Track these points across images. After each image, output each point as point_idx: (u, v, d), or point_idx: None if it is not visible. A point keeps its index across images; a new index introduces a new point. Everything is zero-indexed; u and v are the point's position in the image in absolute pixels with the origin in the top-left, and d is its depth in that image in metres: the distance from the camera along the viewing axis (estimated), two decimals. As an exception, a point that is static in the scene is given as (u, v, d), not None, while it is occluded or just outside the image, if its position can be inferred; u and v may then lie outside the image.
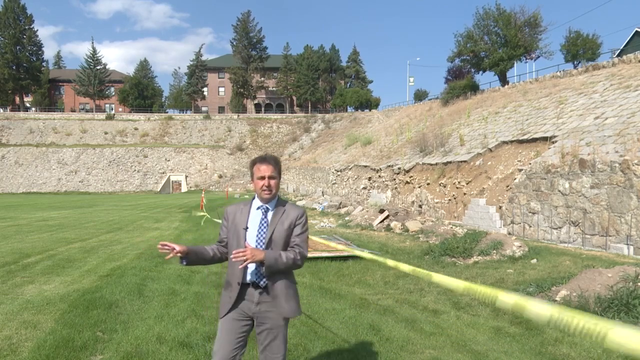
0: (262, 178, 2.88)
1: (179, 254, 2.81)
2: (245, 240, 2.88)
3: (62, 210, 26.18)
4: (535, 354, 4.72)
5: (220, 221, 3.18)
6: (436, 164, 20.86)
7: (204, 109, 76.66)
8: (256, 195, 3.00)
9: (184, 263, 2.88)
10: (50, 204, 31.88)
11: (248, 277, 2.86)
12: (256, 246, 2.85)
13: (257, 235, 2.89)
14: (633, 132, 12.34)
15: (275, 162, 2.94)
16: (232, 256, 2.69)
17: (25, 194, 52.95)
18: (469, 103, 29.32)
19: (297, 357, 4.48)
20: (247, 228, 2.89)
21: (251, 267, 2.83)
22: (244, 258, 2.66)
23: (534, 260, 9.29)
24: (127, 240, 13.24)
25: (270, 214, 2.92)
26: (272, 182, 2.90)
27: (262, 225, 2.89)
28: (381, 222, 15.51)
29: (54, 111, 72.40)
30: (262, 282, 2.85)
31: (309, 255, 9.76)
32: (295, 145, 63.82)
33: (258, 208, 2.95)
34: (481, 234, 11.13)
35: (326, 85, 76.78)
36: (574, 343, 4.94)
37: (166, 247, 2.75)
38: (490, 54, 32.08)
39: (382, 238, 13.41)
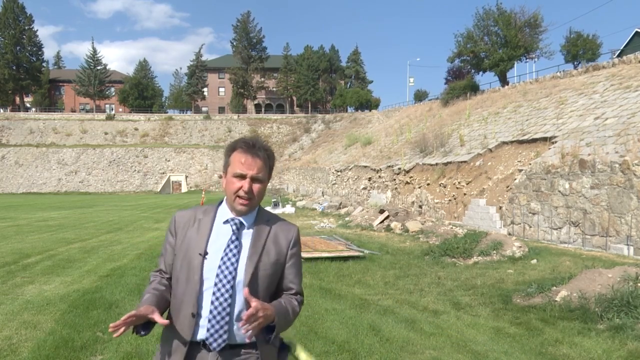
0: (241, 177, 1.81)
1: (138, 322, 1.70)
2: (202, 273, 1.77)
3: (62, 210, 26.18)
4: (535, 354, 4.72)
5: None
6: (436, 164, 20.85)
7: (204, 109, 76.65)
8: (225, 200, 1.91)
9: (143, 333, 1.76)
10: (50, 204, 31.87)
11: (200, 334, 1.77)
12: (218, 289, 1.76)
13: (220, 270, 1.77)
14: (633, 133, 12.34)
15: (267, 156, 1.88)
16: (241, 323, 1.63)
17: (25, 194, 52.93)
18: (469, 103, 29.31)
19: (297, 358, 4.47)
20: (205, 254, 1.79)
21: (204, 313, 1.77)
22: (257, 323, 1.65)
23: (534, 261, 9.30)
24: (127, 240, 13.24)
25: (247, 235, 1.85)
26: (257, 187, 1.83)
27: (231, 252, 1.79)
28: (381, 222, 15.50)
29: (54, 111, 72.33)
30: (216, 344, 1.76)
31: (309, 255, 9.82)
32: (295, 146, 63.81)
33: (226, 222, 1.85)
34: (481, 234, 11.13)
35: (326, 85, 76.75)
36: (574, 343, 4.94)
37: (122, 323, 1.62)
38: (491, 54, 32.07)
39: (382, 238, 13.41)
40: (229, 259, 1.78)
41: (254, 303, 1.65)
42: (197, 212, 1.92)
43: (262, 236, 1.87)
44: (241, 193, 1.81)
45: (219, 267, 1.77)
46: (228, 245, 1.81)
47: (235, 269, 1.78)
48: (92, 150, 61.02)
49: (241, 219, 1.86)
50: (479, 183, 17.08)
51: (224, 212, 1.89)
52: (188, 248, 1.83)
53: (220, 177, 1.93)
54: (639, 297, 5.55)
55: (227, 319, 1.76)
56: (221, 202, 1.94)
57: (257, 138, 1.91)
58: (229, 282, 1.76)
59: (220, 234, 1.84)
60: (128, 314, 1.64)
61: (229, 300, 1.76)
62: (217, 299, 1.76)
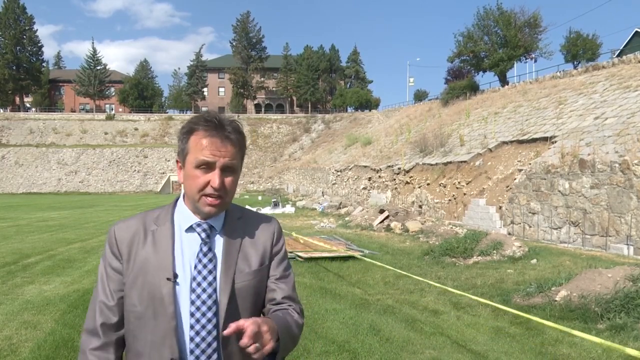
0: (208, 167, 1.34)
1: None
2: (176, 304, 1.32)
3: (62, 210, 26.18)
4: (535, 354, 4.72)
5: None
6: (436, 164, 20.86)
7: (204, 109, 76.55)
8: (182, 200, 1.46)
9: None
10: (51, 205, 31.87)
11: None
12: (197, 321, 1.32)
13: (196, 295, 1.32)
14: (633, 133, 12.34)
15: (239, 137, 1.39)
16: (244, 341, 1.18)
17: (26, 194, 52.92)
18: (468, 103, 29.32)
19: (297, 357, 4.47)
20: (175, 278, 1.32)
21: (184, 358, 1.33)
22: (265, 339, 1.22)
23: (534, 261, 9.29)
24: (127, 240, 13.23)
25: (219, 243, 1.40)
26: (229, 180, 1.37)
27: (205, 268, 1.34)
28: (381, 222, 15.50)
29: (54, 111, 72.32)
30: None
31: (309, 255, 9.80)
32: (295, 146, 63.81)
33: (190, 229, 1.39)
34: (481, 234, 11.12)
35: (326, 85, 76.72)
36: (574, 343, 4.94)
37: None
38: (490, 54, 32.09)
39: (382, 238, 13.40)
40: (204, 278, 1.32)
41: (244, 322, 1.19)
42: (145, 221, 1.41)
43: (236, 239, 1.42)
44: (209, 190, 1.33)
45: (193, 291, 1.31)
46: (200, 260, 1.34)
47: (215, 290, 1.33)
48: (92, 150, 61.02)
49: (210, 222, 1.40)
50: (478, 183, 17.09)
51: (184, 216, 1.41)
52: (146, 272, 1.33)
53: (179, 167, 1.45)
54: (639, 297, 5.55)
55: (215, 357, 1.33)
56: (176, 202, 1.46)
57: (222, 114, 1.40)
58: (209, 308, 1.31)
59: (185, 247, 1.37)
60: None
61: (214, 334, 1.32)
62: (197, 333, 1.31)
